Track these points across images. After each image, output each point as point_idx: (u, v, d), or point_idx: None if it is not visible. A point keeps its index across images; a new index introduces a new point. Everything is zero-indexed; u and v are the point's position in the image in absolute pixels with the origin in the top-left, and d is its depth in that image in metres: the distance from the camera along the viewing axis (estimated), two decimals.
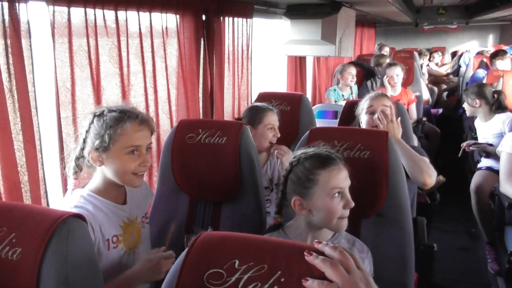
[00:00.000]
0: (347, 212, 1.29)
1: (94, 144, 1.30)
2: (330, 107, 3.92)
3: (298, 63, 3.82)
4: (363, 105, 2.13)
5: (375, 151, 1.53)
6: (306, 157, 1.32)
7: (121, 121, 1.31)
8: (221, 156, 1.70)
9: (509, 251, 2.26)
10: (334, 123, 3.23)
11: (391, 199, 1.51)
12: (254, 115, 2.12)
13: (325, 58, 4.54)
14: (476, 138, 3.51)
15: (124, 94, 2.01)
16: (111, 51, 1.93)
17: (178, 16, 2.07)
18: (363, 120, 2.11)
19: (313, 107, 3.92)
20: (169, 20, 2.18)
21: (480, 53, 6.77)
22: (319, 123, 3.39)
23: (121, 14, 1.94)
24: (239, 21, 2.60)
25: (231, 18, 2.52)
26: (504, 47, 6.58)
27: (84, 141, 1.33)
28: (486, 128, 3.32)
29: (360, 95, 4.26)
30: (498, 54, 4.93)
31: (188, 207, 1.76)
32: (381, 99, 2.09)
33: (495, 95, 3.27)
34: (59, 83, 1.74)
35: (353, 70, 4.18)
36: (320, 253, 0.79)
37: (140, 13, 2.01)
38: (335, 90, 4.24)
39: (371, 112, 2.06)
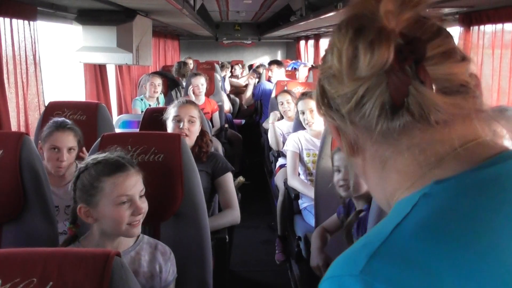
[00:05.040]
0: (137, 218, 1.26)
1: None
2: (134, 117, 3.85)
3: (98, 71, 3.63)
4: (171, 111, 2.16)
5: (169, 153, 1.57)
6: (94, 163, 1.26)
7: None
8: None
9: (297, 236, 2.58)
10: None
11: (187, 199, 1.57)
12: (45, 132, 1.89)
13: (128, 67, 4.42)
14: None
15: None
16: None
17: None
18: (169, 127, 2.14)
19: (118, 117, 3.82)
20: None
21: (252, 69, 7.62)
22: None
23: None
24: (19, 23, 2.33)
25: (8, 19, 2.23)
26: (290, 62, 7.58)
27: None
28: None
29: (167, 104, 4.31)
30: (273, 63, 5.75)
31: None
32: (188, 108, 2.12)
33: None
34: None
35: (157, 81, 4.20)
36: None
37: None
38: (142, 99, 4.20)
39: (177, 120, 2.10)
